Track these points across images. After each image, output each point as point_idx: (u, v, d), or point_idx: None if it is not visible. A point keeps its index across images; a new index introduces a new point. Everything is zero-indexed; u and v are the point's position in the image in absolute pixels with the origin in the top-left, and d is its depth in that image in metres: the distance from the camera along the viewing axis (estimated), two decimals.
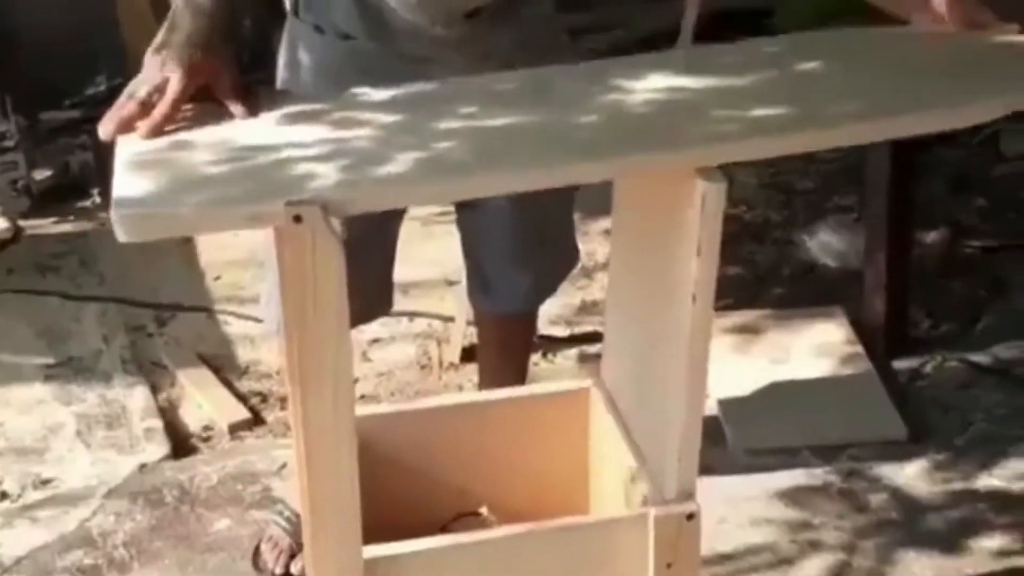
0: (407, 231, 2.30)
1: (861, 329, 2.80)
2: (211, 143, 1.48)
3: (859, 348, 2.75)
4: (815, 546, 2.28)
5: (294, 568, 2.25)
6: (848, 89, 1.54)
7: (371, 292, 2.09)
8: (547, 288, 2.26)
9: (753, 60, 1.65)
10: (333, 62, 1.91)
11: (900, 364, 2.73)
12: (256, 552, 2.33)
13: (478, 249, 2.19)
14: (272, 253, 2.07)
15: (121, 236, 1.35)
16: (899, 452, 2.49)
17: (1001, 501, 2.36)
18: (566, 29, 2.84)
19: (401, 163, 1.42)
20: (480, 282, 2.23)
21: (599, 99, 1.54)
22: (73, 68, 3.91)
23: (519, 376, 2.35)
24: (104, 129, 1.53)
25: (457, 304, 2.78)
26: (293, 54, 1.96)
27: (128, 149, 1.48)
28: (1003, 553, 2.25)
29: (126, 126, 1.52)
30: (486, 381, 2.37)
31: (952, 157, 1.55)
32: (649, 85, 1.56)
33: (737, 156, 1.50)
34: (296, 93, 1.83)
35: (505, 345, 2.34)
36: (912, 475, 2.44)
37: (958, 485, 2.41)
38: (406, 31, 1.88)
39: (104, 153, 1.56)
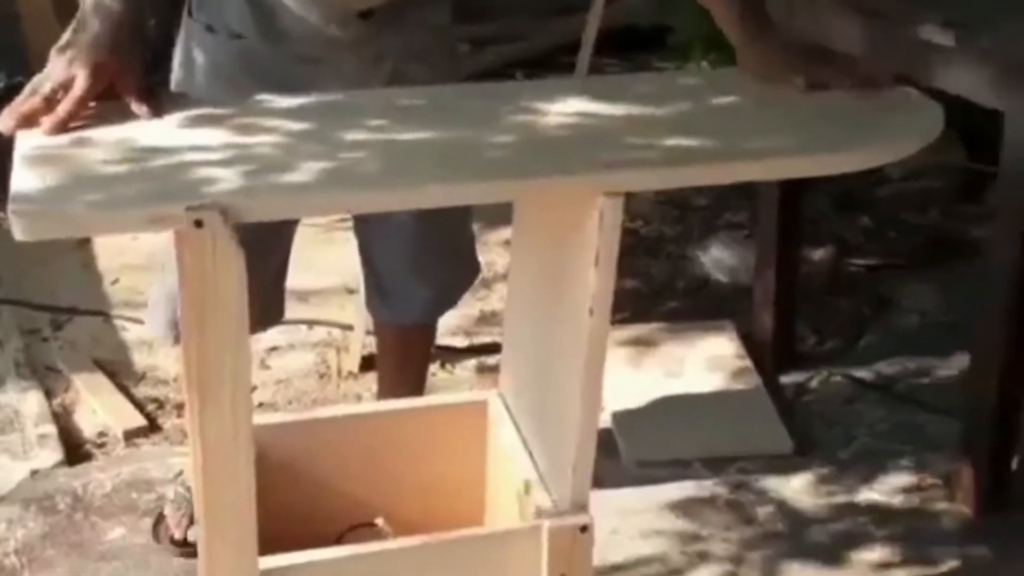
0: (307, 237, 2.31)
1: (750, 344, 2.87)
2: (113, 143, 1.48)
3: (748, 362, 2.82)
4: (704, 557, 2.33)
5: (191, 535, 2.25)
6: (759, 126, 1.59)
7: (263, 300, 2.08)
8: (447, 301, 2.28)
9: (669, 91, 1.69)
10: (225, 62, 1.92)
11: (787, 379, 2.81)
12: (157, 521, 2.33)
13: (376, 258, 2.20)
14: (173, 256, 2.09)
15: (17, 234, 1.34)
16: (785, 465, 2.55)
17: (882, 514, 2.43)
18: (465, 39, 2.87)
19: (305, 172, 1.43)
20: (378, 291, 2.23)
21: (511, 120, 1.57)
22: None
23: (417, 386, 2.36)
24: (3, 123, 1.52)
25: (357, 313, 2.79)
26: (187, 54, 1.97)
27: (27, 145, 1.47)
28: (883, 565, 2.31)
29: (28, 121, 1.52)
30: (384, 391, 2.38)
31: (838, 177, 1.61)
32: (563, 109, 1.60)
33: (646, 185, 1.54)
34: (196, 95, 1.84)
35: (404, 355, 2.35)
36: (797, 488, 2.50)
37: (841, 498, 2.48)
38: (299, 31, 1.90)
39: (1, 152, 1.55)
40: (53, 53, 1.57)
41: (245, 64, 1.90)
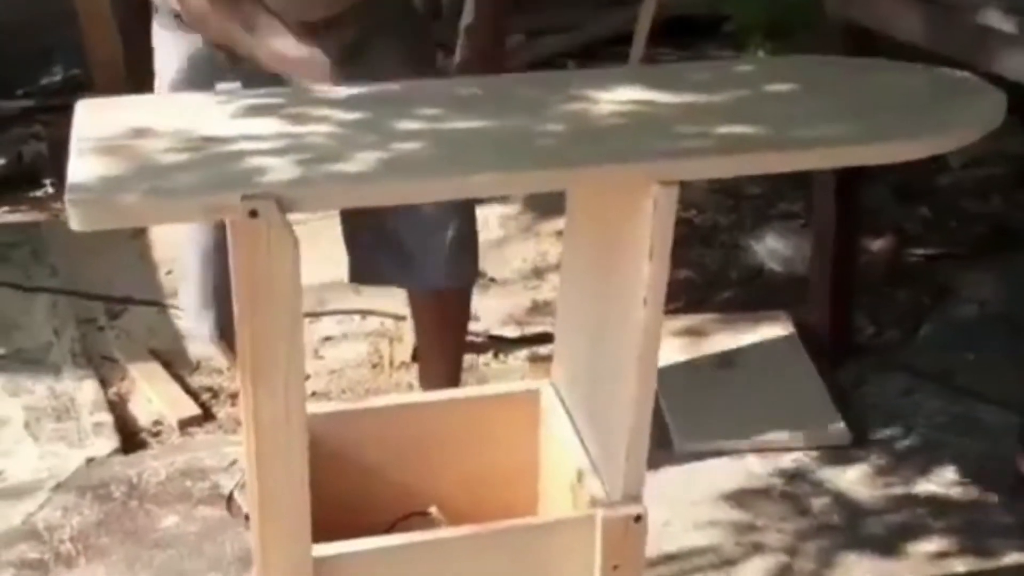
0: None
1: (806, 334, 2.84)
2: (167, 133, 1.48)
3: (804, 353, 2.79)
4: (758, 548, 2.31)
5: None
6: (816, 114, 1.57)
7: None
8: (457, 264, 2.25)
9: (723, 79, 1.67)
10: (188, 48, 2.00)
11: (844, 369, 2.78)
12: (231, 497, 2.36)
13: (396, 222, 2.19)
14: (189, 258, 2.12)
15: (74, 224, 1.34)
16: (841, 456, 2.53)
17: (939, 506, 2.40)
18: (520, 30, 2.85)
19: (359, 161, 1.42)
20: (403, 259, 2.23)
21: (564, 108, 1.56)
22: (28, 58, 3.89)
23: (450, 357, 2.37)
24: None
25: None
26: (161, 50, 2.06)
27: (82, 135, 1.47)
28: (940, 556, 2.29)
29: None
30: (421, 364, 2.39)
31: (897, 165, 1.58)
32: (616, 97, 1.58)
33: (701, 173, 1.53)
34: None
35: (435, 324, 2.36)
36: (853, 479, 2.48)
37: (898, 490, 2.45)
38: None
39: (57, 143, 1.57)
40: None
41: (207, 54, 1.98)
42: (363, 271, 2.30)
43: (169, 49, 2.05)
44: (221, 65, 1.95)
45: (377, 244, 2.25)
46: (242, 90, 1.64)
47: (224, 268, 1.44)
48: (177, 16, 2.01)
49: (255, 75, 1.89)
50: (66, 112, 1.59)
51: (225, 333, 2.14)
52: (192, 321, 2.25)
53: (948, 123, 1.56)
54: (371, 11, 2.02)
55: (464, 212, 2.23)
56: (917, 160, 1.54)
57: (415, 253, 2.21)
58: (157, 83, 2.10)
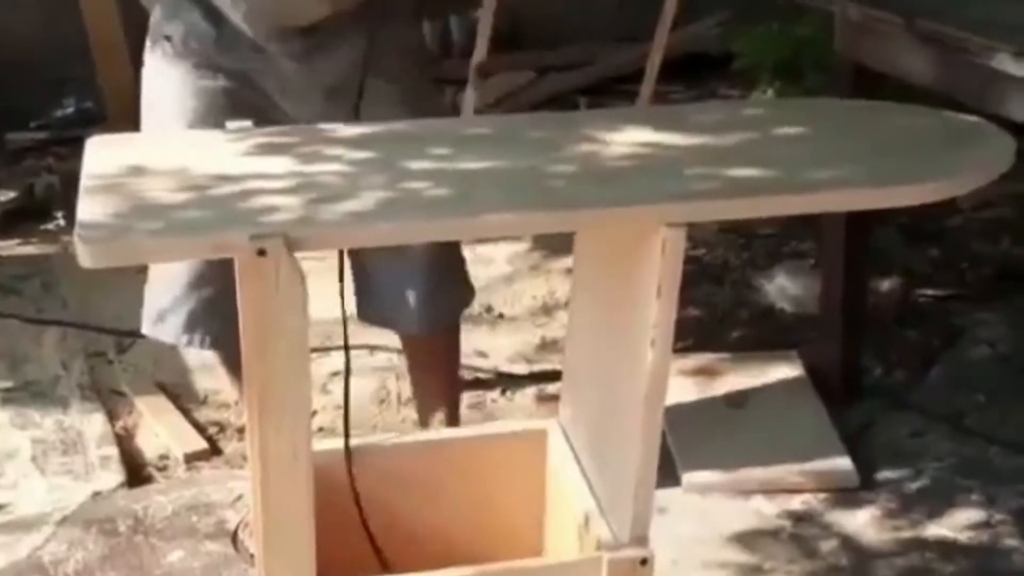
0: None
1: (816, 374, 2.83)
2: (175, 171, 1.49)
3: (813, 393, 2.78)
4: None
5: None
6: (825, 157, 1.57)
7: None
8: (437, 312, 2.27)
9: (733, 121, 1.68)
10: (187, 79, 2.06)
11: (853, 410, 2.77)
12: (236, 533, 2.36)
13: (369, 267, 2.22)
14: (177, 272, 2.12)
15: (84, 261, 1.35)
16: (850, 499, 2.51)
17: (948, 550, 2.39)
18: (529, 66, 2.86)
19: (368, 200, 1.43)
20: (369, 299, 2.26)
21: (574, 149, 1.57)
22: (41, 91, 3.91)
23: (448, 398, 2.38)
24: None
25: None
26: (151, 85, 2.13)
27: (93, 174, 1.48)
28: None
29: None
30: (418, 407, 2.40)
31: (907, 207, 1.59)
32: (626, 138, 1.59)
33: (708, 216, 1.53)
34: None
35: (423, 365, 2.39)
36: (862, 522, 2.46)
37: (907, 533, 2.43)
38: (243, 43, 2.02)
39: (69, 176, 1.57)
40: None
41: (206, 68, 2.04)
42: (359, 310, 2.32)
43: (175, 85, 2.05)
44: (232, 101, 1.97)
45: (363, 286, 2.26)
46: (253, 128, 1.64)
47: (223, 279, 1.45)
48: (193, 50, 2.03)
49: (267, 111, 1.92)
50: (78, 145, 1.60)
51: (220, 343, 2.15)
52: (160, 326, 2.26)
53: (957, 167, 1.56)
54: (376, 53, 2.02)
55: (443, 256, 2.24)
56: (928, 203, 1.54)
57: (393, 300, 2.23)
58: (151, 119, 2.13)
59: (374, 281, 2.24)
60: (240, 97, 2.04)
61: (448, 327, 2.36)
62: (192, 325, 2.18)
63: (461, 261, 2.33)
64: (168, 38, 2.07)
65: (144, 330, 2.27)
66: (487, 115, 1.80)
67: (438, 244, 2.18)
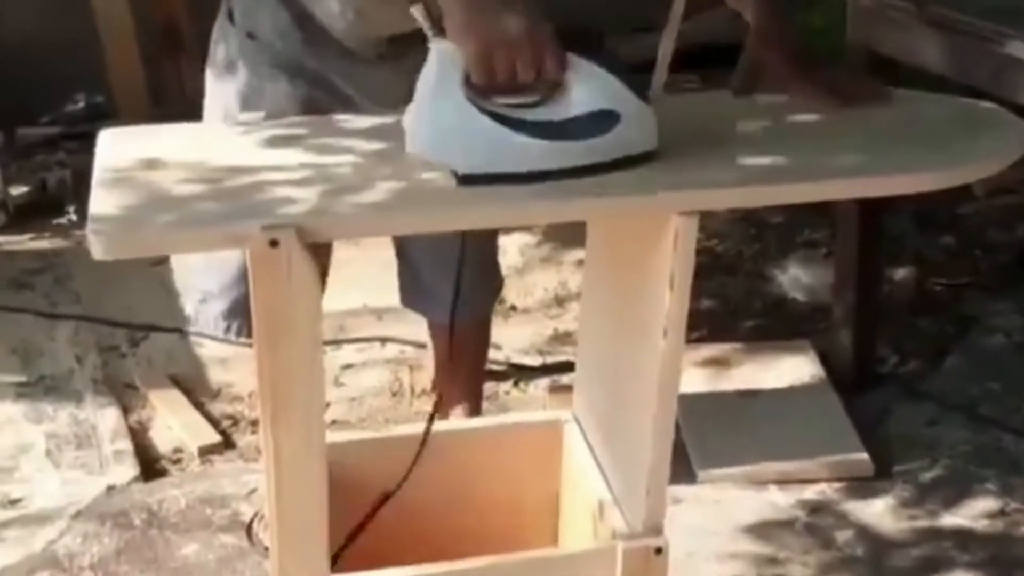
0: (382, 256, 2.31)
1: (829, 364, 2.83)
2: (192, 162, 1.48)
3: (827, 383, 2.78)
4: None
5: None
6: (838, 144, 1.56)
7: None
8: (470, 301, 2.21)
9: (746, 109, 1.67)
10: (265, 69, 1.98)
11: (867, 399, 2.76)
12: (250, 526, 2.36)
13: (410, 253, 2.22)
14: (212, 274, 2.11)
15: (96, 253, 1.35)
16: (865, 488, 2.51)
17: (965, 539, 2.38)
18: None
19: (381, 191, 1.42)
20: (413, 287, 2.26)
21: None
22: (52, 85, 3.91)
23: (473, 389, 2.37)
24: None
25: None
26: (228, 57, 2.02)
27: (107, 164, 1.48)
28: None
29: None
30: (441, 397, 2.39)
31: (921, 194, 1.58)
32: None
33: (721, 204, 1.52)
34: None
35: (450, 355, 2.32)
36: (878, 512, 2.45)
37: (923, 523, 2.43)
38: (336, 48, 1.95)
39: (81, 171, 1.57)
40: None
41: (285, 70, 1.96)
42: (402, 295, 2.34)
43: (248, 55, 1.99)
44: (306, 110, 1.93)
45: (403, 272, 2.27)
46: (264, 120, 1.64)
47: None
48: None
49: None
50: (89, 139, 1.60)
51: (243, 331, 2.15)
52: (202, 316, 2.21)
53: (972, 153, 1.55)
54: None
55: (482, 245, 2.22)
56: (941, 189, 1.53)
57: (429, 283, 2.21)
58: (215, 113, 2.04)
59: (413, 268, 2.25)
60: (315, 105, 1.98)
61: (480, 319, 2.35)
62: (234, 313, 2.16)
63: (495, 251, 2.33)
64: (251, 35, 1.99)
65: (188, 310, 2.24)
66: None
67: (475, 234, 2.17)
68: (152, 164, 1.49)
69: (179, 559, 2.35)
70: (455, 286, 2.17)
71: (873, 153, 1.55)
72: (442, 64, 1.44)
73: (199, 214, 1.38)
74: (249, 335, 2.19)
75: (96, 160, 1.50)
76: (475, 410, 2.41)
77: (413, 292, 2.29)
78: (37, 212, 3.57)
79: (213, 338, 2.23)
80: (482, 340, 2.42)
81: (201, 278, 2.20)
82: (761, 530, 2.40)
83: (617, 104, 1.46)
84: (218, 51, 2.04)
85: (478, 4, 1.42)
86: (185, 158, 1.50)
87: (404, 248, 2.25)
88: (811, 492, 2.49)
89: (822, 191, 1.53)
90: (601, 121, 1.45)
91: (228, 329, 2.18)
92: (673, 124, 1.56)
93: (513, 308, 3.14)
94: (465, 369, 2.38)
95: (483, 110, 1.43)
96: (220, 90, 2.03)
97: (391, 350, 2.96)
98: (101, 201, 1.40)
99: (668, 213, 1.43)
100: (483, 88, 1.43)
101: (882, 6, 2.47)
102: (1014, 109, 1.68)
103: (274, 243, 1.35)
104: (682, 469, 2.48)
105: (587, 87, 1.45)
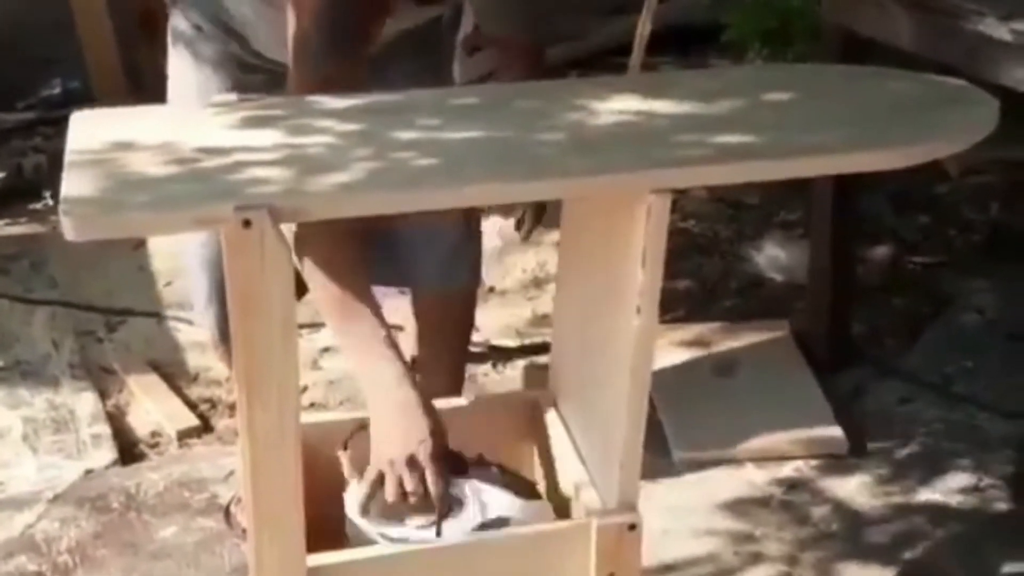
0: None
1: (805, 343, 2.84)
2: (165, 144, 1.48)
3: (803, 362, 2.79)
4: (757, 558, 2.31)
5: None
6: (810, 122, 1.57)
7: None
8: (460, 262, 2.25)
9: (720, 87, 1.67)
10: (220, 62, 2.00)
11: (843, 378, 2.77)
12: (228, 509, 2.37)
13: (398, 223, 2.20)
14: (195, 258, 2.11)
15: (69, 235, 1.34)
16: (840, 465, 2.52)
17: (939, 515, 2.40)
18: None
19: (355, 171, 1.42)
20: (404, 258, 2.22)
21: (561, 118, 1.56)
22: (27, 70, 3.90)
23: (457, 365, 2.36)
24: None
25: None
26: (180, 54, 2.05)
27: (79, 147, 1.48)
28: (940, 565, 2.28)
29: None
30: (424, 375, 2.39)
31: (896, 174, 1.59)
32: (614, 106, 1.58)
33: (693, 181, 1.53)
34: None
35: (435, 327, 2.33)
36: (853, 488, 2.47)
37: (897, 499, 2.44)
38: None
39: (57, 156, 1.56)
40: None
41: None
42: (376, 274, 2.30)
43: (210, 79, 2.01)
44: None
45: (378, 246, 2.24)
46: (238, 102, 1.64)
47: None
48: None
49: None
50: (66, 124, 1.59)
51: (225, 338, 2.14)
52: (198, 319, 2.23)
53: (943, 129, 1.57)
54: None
55: (467, 221, 2.22)
56: (915, 168, 1.54)
57: (414, 256, 2.20)
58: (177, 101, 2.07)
59: (394, 241, 2.20)
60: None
61: (465, 291, 2.34)
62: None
63: (480, 232, 2.31)
64: (199, 28, 2.02)
65: (197, 309, 2.23)
66: (474, 86, 1.79)
67: (459, 211, 2.18)
68: (125, 146, 1.48)
69: (157, 542, 2.35)
70: (447, 252, 2.18)
71: (845, 130, 1.56)
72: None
73: (172, 195, 1.38)
74: None
75: (68, 142, 1.50)
76: (457, 390, 2.41)
77: (394, 263, 2.23)
78: (13, 197, 3.56)
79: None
80: (467, 316, 2.39)
81: (196, 284, 2.20)
82: (737, 507, 2.42)
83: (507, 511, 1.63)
84: (170, 45, 2.07)
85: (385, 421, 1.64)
86: (158, 140, 1.49)
87: (382, 226, 2.21)
88: (787, 469, 2.51)
89: (794, 168, 1.54)
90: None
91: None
92: (648, 103, 1.57)
93: (491, 290, 3.14)
94: (452, 344, 2.36)
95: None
96: (178, 71, 2.05)
97: None
98: (73, 183, 1.39)
99: (641, 191, 1.44)
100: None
101: None
102: (988, 87, 1.69)
103: (247, 223, 1.35)
104: (658, 447, 2.49)
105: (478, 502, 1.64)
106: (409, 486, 1.60)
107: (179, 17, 2.05)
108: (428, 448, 1.62)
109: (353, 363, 1.70)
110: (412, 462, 1.61)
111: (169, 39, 2.08)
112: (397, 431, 1.63)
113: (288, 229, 1.47)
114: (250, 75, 1.96)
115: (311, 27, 1.68)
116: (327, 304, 1.69)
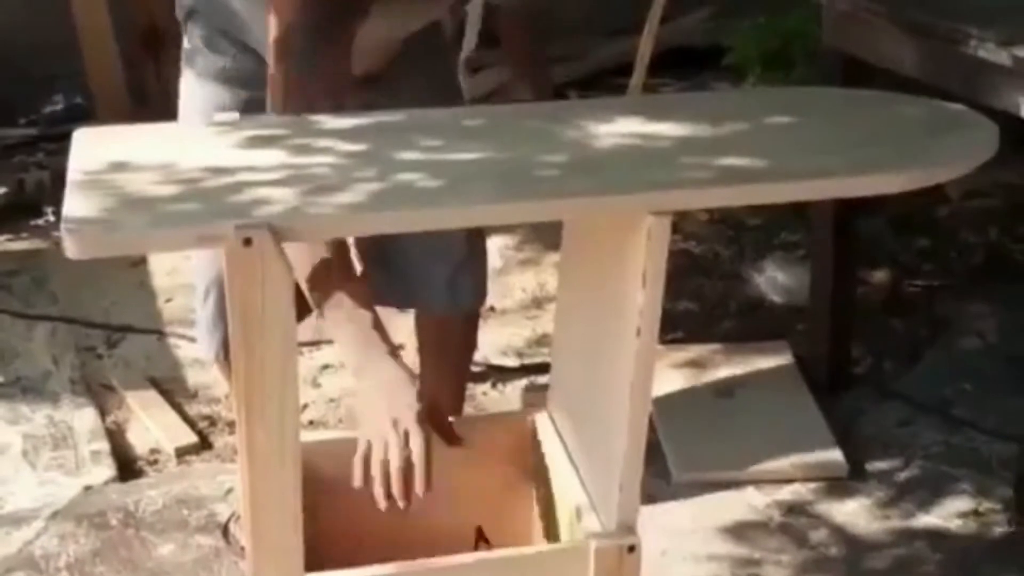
0: None
1: (805, 365, 2.84)
2: (167, 162, 1.48)
3: (803, 384, 2.79)
4: None
5: None
6: (811, 146, 1.57)
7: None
8: (466, 283, 2.25)
9: (721, 110, 1.68)
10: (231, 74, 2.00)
11: (842, 400, 2.77)
12: (227, 526, 2.36)
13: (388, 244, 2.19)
14: (202, 277, 2.11)
15: (71, 252, 1.34)
16: (840, 488, 2.52)
17: (939, 538, 2.40)
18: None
19: (357, 191, 1.42)
20: (399, 279, 2.22)
21: (564, 139, 1.56)
22: (30, 87, 3.90)
23: (458, 386, 2.35)
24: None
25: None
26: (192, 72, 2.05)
27: (82, 164, 1.48)
28: None
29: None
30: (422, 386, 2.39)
31: (896, 197, 1.60)
32: (616, 128, 1.59)
33: (693, 204, 1.53)
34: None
35: (437, 349, 2.33)
36: (852, 512, 2.47)
37: (897, 523, 2.44)
38: None
39: (59, 172, 1.57)
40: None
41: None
42: (379, 294, 2.29)
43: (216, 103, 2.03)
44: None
45: (382, 266, 2.25)
46: (241, 121, 1.64)
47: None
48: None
49: None
50: (68, 141, 1.60)
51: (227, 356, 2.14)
52: (200, 341, 2.23)
53: (942, 154, 1.57)
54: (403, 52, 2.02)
55: (472, 240, 2.23)
56: (916, 191, 1.54)
57: (418, 276, 2.21)
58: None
59: (398, 261, 2.20)
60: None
61: (468, 312, 2.33)
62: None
63: (485, 251, 2.31)
64: (210, 41, 2.03)
65: (200, 340, 2.23)
66: (478, 107, 1.80)
67: (463, 230, 2.17)
68: (127, 165, 1.48)
69: (155, 559, 2.35)
70: (451, 272, 2.18)
71: (846, 154, 1.56)
72: None
73: (173, 214, 1.38)
74: None
75: (71, 160, 1.50)
76: (457, 410, 2.40)
77: (399, 284, 2.23)
78: (15, 213, 3.56)
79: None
80: (470, 335, 2.39)
81: (198, 315, 2.20)
82: (736, 530, 2.42)
83: None
84: (185, 48, 2.07)
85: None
86: (160, 158, 1.49)
87: (386, 245, 2.22)
88: (786, 492, 2.51)
89: (795, 192, 1.54)
90: None
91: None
92: (650, 125, 1.57)
93: (492, 309, 3.14)
94: (452, 366, 2.36)
95: None
96: (190, 89, 2.05)
97: None
98: (76, 201, 1.40)
99: (642, 213, 1.44)
100: None
101: (856, 8, 2.49)
102: (986, 112, 1.70)
103: (248, 242, 1.35)
104: (658, 469, 2.49)
105: None
106: (393, 448, 1.60)
107: (190, 33, 2.05)
108: (413, 412, 1.62)
109: (339, 340, 1.69)
110: (396, 424, 1.61)
111: (183, 58, 2.09)
112: (383, 401, 1.63)
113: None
114: (260, 92, 1.95)
115: (292, 24, 1.69)
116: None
